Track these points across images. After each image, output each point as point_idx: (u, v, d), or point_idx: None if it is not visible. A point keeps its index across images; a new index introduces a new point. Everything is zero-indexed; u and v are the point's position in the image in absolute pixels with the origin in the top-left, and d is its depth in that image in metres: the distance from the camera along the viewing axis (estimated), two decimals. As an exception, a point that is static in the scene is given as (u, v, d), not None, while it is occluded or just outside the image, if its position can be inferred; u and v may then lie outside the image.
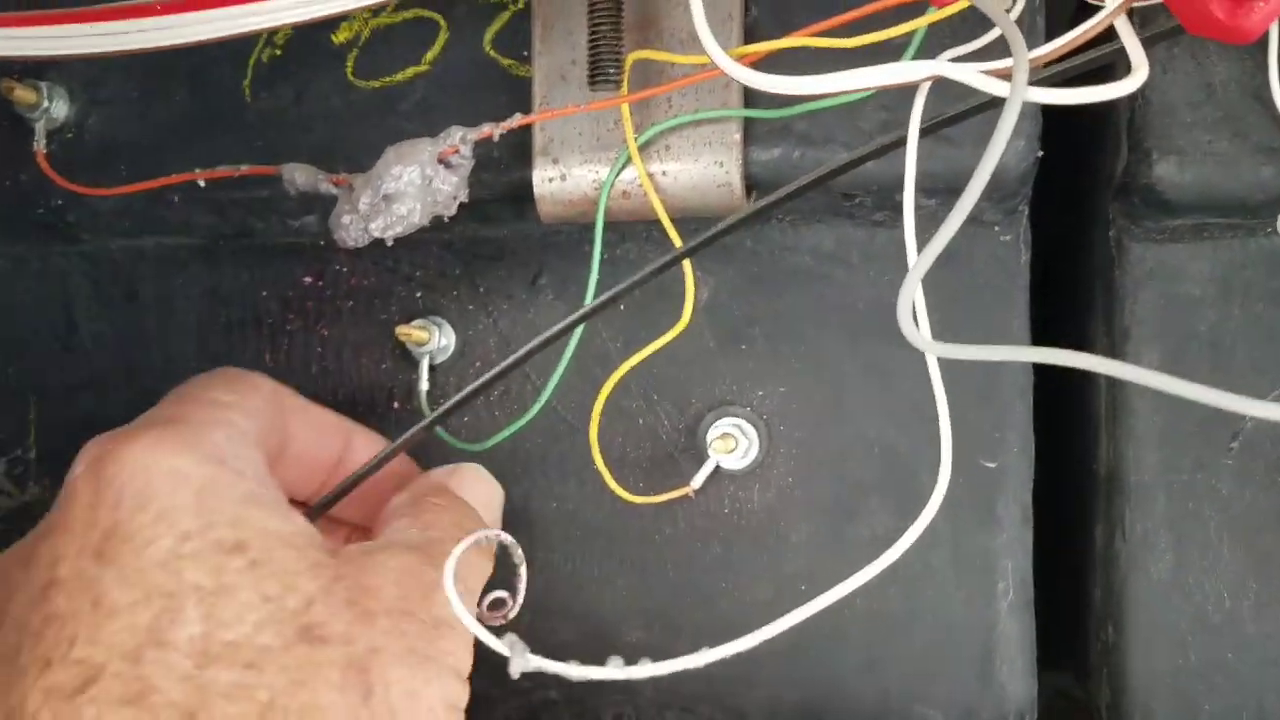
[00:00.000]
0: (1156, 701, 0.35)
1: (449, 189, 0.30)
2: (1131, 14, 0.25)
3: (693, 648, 0.38)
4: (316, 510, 0.32)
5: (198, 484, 0.28)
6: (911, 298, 0.24)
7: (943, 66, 0.24)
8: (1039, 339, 0.38)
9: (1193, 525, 0.35)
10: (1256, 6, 0.22)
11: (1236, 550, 0.34)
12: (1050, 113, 0.38)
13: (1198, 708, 0.35)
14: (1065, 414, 0.41)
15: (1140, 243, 0.35)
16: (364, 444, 0.35)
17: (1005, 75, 0.25)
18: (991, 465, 0.35)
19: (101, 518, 0.27)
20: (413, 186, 0.30)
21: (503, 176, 0.35)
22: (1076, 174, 0.39)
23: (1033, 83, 0.26)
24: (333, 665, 0.27)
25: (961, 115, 0.25)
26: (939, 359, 0.32)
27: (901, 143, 0.25)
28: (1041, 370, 0.37)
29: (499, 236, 0.39)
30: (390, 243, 0.31)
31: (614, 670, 0.26)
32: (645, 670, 0.27)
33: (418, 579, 0.29)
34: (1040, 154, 0.33)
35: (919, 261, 0.24)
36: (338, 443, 0.35)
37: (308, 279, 0.41)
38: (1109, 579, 0.36)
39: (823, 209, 0.36)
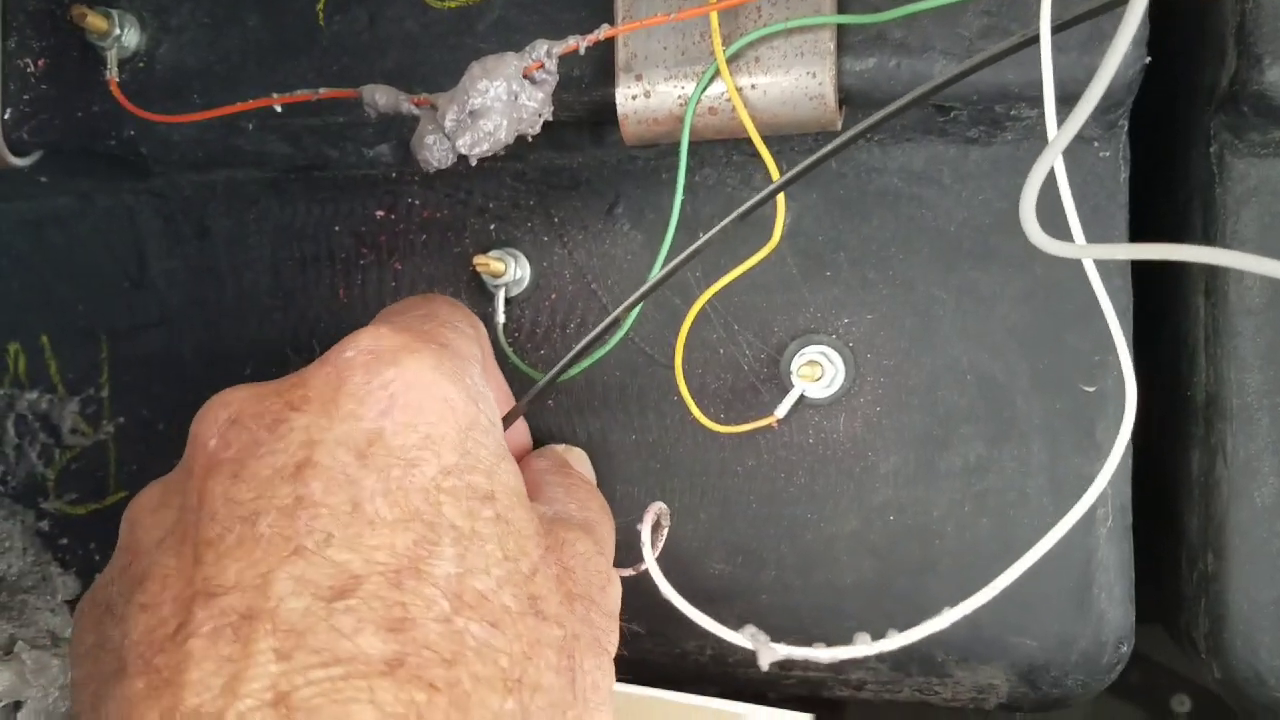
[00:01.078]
0: (1259, 630, 0.34)
1: (534, 105, 0.30)
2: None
3: (777, 580, 0.38)
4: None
5: (465, 422, 0.27)
6: (1035, 192, 0.23)
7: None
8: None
9: (1301, 449, 0.33)
10: None
11: (1347, 474, 0.33)
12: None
13: (1303, 636, 0.34)
14: (1154, 340, 0.40)
15: (1243, 158, 0.34)
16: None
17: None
18: (1091, 389, 0.34)
19: (368, 416, 0.26)
20: (499, 102, 0.29)
21: (584, 96, 0.34)
22: (1171, 89, 0.37)
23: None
24: (550, 645, 0.26)
25: (1098, 10, 0.24)
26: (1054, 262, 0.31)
27: (1032, 41, 0.24)
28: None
29: (574, 165, 0.39)
30: (474, 162, 0.31)
31: (861, 648, 0.26)
32: (894, 642, 0.26)
33: (596, 568, 0.29)
34: (1147, 60, 0.31)
35: (1036, 169, 0.23)
36: (505, 402, 0.34)
37: (380, 212, 0.40)
38: (1209, 506, 0.35)
39: (913, 126, 0.35)
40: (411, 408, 0.26)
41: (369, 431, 0.25)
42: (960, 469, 0.36)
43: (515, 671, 0.24)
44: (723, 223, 0.29)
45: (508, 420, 0.32)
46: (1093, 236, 0.34)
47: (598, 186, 0.39)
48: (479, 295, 0.39)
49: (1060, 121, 0.24)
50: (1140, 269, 0.37)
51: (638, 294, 0.28)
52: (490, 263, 0.37)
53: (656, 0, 0.32)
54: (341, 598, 0.23)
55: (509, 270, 0.38)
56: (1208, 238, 0.35)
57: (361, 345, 0.27)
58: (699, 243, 0.30)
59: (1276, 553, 0.34)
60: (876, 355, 0.36)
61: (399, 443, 0.25)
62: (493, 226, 0.39)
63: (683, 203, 0.34)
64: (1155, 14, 0.33)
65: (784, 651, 0.25)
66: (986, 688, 0.36)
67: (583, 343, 0.28)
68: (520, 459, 0.36)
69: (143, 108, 0.37)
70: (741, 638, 0.25)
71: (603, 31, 0.30)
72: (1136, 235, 0.39)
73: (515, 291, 0.39)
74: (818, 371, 0.36)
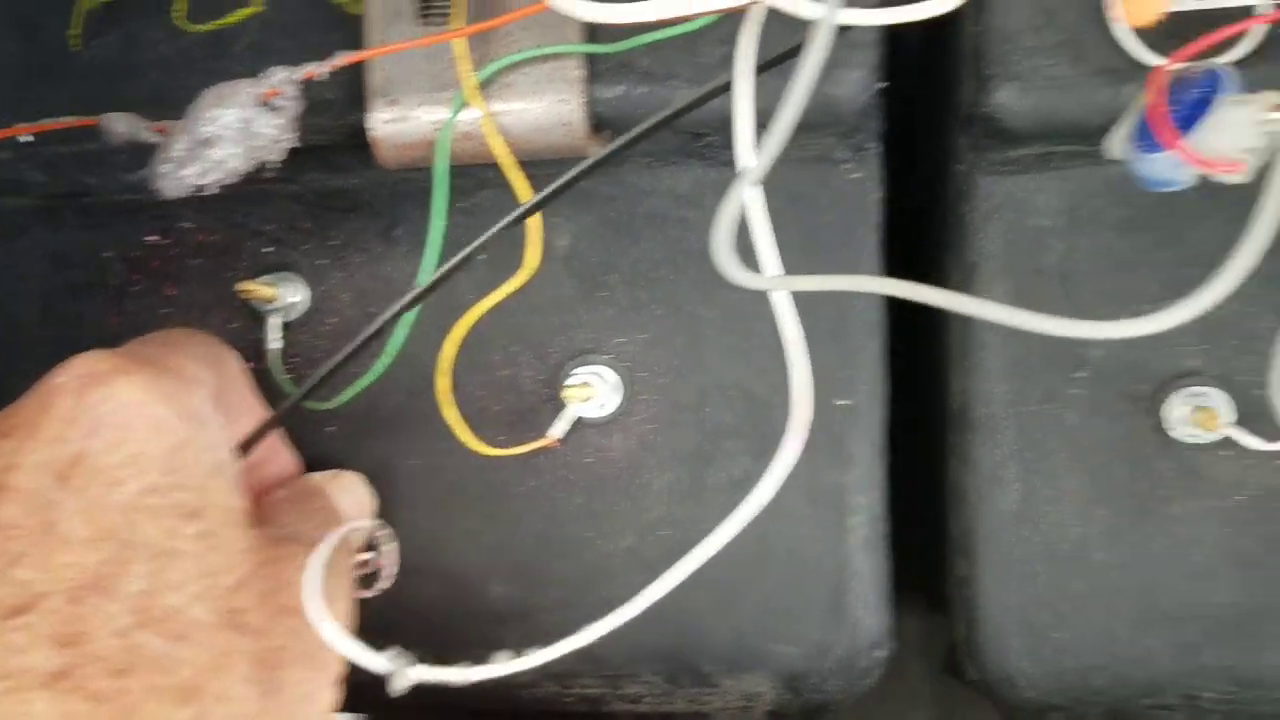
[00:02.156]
0: (1008, 634, 0.36)
1: (272, 132, 0.29)
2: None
3: (558, 599, 0.38)
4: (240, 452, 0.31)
5: (175, 440, 0.27)
6: (730, 226, 0.24)
7: (759, -9, 0.24)
8: (904, 276, 0.38)
9: (1041, 457, 0.35)
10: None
11: (1084, 479, 0.35)
12: (910, 49, 0.38)
13: (1047, 637, 0.35)
14: (926, 351, 0.41)
15: (988, 175, 0.35)
16: (276, 445, 0.36)
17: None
18: (843, 403, 0.35)
19: (73, 438, 0.26)
20: (230, 130, 0.29)
21: (340, 120, 0.34)
22: (937, 109, 0.39)
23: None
24: (245, 656, 0.27)
25: (787, 54, 0.25)
26: (792, 295, 0.33)
27: (725, 88, 0.25)
28: (902, 308, 0.37)
29: (350, 186, 0.38)
30: (216, 189, 0.30)
31: (499, 667, 0.26)
32: (531, 660, 0.27)
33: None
34: (880, 86, 0.33)
35: (726, 203, 0.23)
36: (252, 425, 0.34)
37: (153, 237, 0.39)
38: (961, 513, 0.36)
39: (675, 150, 0.35)
40: (119, 427, 0.26)
41: (73, 454, 0.26)
42: (727, 484, 0.36)
43: (198, 680, 0.25)
44: (465, 252, 0.29)
45: (252, 441, 0.31)
46: (844, 258, 0.35)
47: (376, 208, 0.38)
48: (256, 321, 0.39)
49: (793, 157, 0.24)
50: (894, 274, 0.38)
51: (376, 323, 0.28)
52: (256, 289, 0.37)
53: (407, 24, 0.32)
54: (18, 615, 0.24)
55: (281, 295, 0.38)
56: (959, 252, 0.36)
57: (73, 370, 0.27)
58: (444, 268, 0.30)
59: (1022, 558, 0.35)
60: (650, 374, 0.37)
61: (103, 463, 0.26)
62: (269, 250, 0.39)
63: (451, 226, 0.34)
64: (897, 41, 0.34)
65: (416, 675, 0.26)
66: (754, 695, 0.37)
67: (319, 372, 0.28)
68: (271, 488, 0.35)
69: (-112, 134, 0.35)
70: (382, 661, 0.26)
71: (341, 59, 0.30)
72: (920, 251, 0.41)
73: (293, 316, 0.39)
74: (590, 392, 0.37)
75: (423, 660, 0.36)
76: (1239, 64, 0.27)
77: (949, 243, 0.38)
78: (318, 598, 0.26)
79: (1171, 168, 0.24)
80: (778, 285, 0.24)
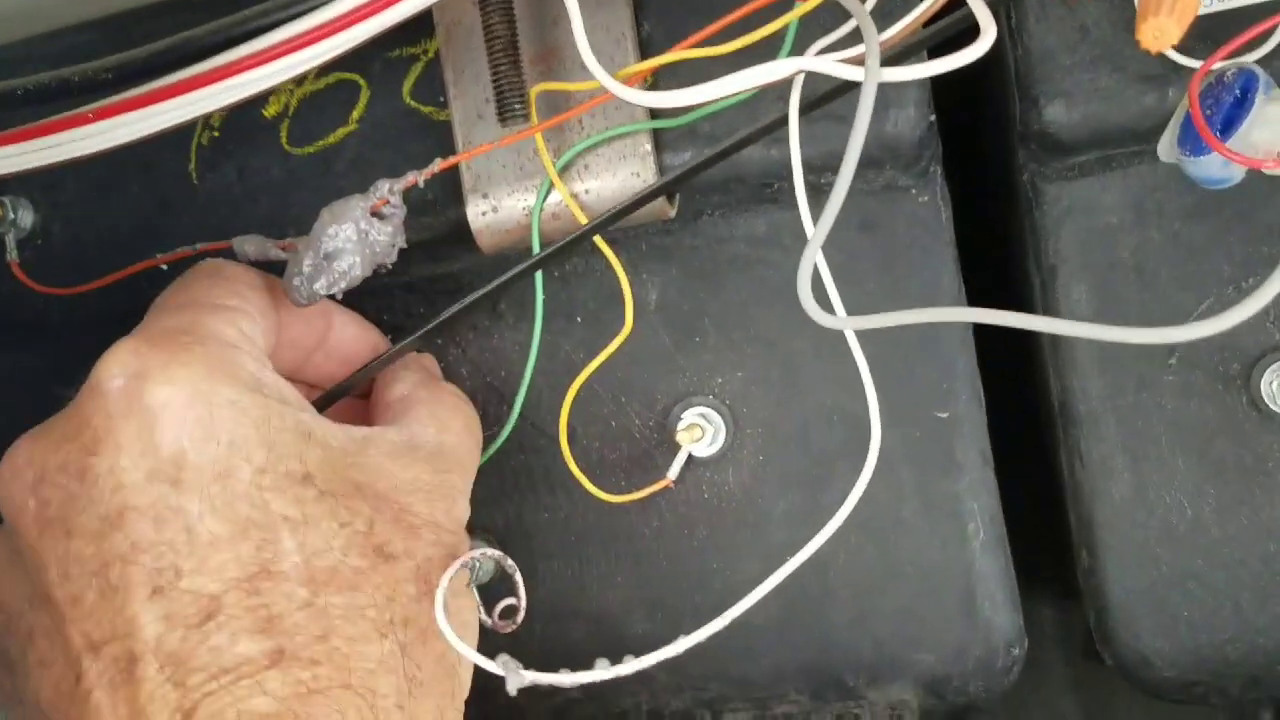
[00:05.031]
0: (1137, 617, 0.36)
1: (386, 239, 0.32)
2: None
3: (695, 630, 0.40)
4: (323, 404, 0.34)
5: (256, 416, 0.28)
6: (809, 278, 0.26)
7: (806, 61, 0.26)
8: (987, 288, 0.40)
9: (1145, 443, 0.36)
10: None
11: (1190, 460, 0.35)
12: (957, 72, 0.40)
13: (1177, 616, 0.36)
14: (1022, 353, 0.42)
15: (1053, 182, 0.36)
16: (343, 321, 0.37)
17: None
18: (944, 415, 0.37)
19: (164, 441, 0.26)
20: (350, 242, 0.32)
21: (441, 216, 0.37)
22: (995, 127, 0.40)
23: (894, 58, 0.27)
24: (407, 579, 0.29)
25: (825, 98, 0.26)
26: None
27: (783, 122, 0.27)
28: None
29: (454, 271, 0.41)
30: (339, 297, 0.33)
31: (601, 672, 0.28)
32: (630, 666, 0.29)
33: (442, 491, 0.32)
34: (932, 119, 0.34)
35: (809, 247, 0.25)
36: (322, 324, 0.36)
37: (286, 337, 0.43)
38: (1078, 506, 0.37)
39: (748, 198, 0.37)
40: (204, 421, 0.27)
41: (173, 457, 0.27)
42: (842, 502, 0.38)
43: (384, 616, 0.27)
44: (471, 296, 0.32)
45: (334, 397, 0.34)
46: (924, 278, 0.37)
47: (480, 288, 0.41)
48: (387, 402, 0.42)
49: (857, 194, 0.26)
50: (995, 291, 0.39)
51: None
52: (387, 376, 0.40)
53: (489, 125, 0.35)
54: (210, 619, 0.25)
55: (407, 376, 0.41)
56: (1036, 257, 0.37)
57: (126, 368, 0.27)
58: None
59: (1142, 543, 0.36)
60: (752, 409, 0.39)
61: (206, 458, 0.27)
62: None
63: (554, 292, 0.37)
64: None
65: (530, 677, 0.28)
66: (900, 704, 0.39)
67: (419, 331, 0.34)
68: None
69: (45, 283, 0.39)
70: (494, 665, 0.28)
71: (436, 165, 0.33)
72: (993, 261, 0.42)
73: (419, 395, 0.42)
74: (699, 433, 0.39)
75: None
76: (1269, 58, 0.28)
77: (1027, 248, 0.39)
78: (442, 614, 0.28)
79: (1220, 167, 0.25)
80: (850, 324, 0.26)
